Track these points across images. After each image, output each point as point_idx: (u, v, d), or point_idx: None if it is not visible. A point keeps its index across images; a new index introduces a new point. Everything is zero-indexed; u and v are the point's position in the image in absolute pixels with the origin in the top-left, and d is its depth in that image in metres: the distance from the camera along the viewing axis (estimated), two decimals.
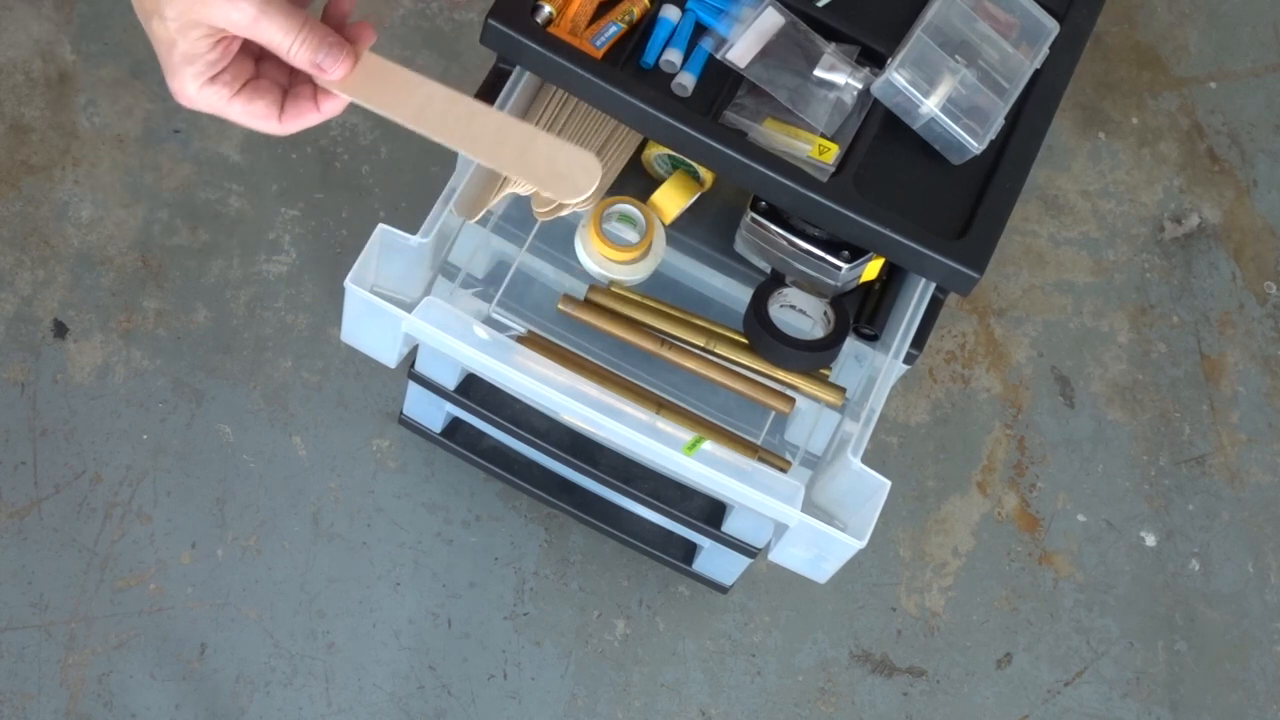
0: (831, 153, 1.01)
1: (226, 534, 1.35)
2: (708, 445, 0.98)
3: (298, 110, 0.77)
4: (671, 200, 1.10)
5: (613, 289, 1.10)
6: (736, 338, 1.10)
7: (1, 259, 1.41)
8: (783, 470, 1.06)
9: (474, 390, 1.22)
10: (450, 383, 1.21)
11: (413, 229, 0.99)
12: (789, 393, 1.10)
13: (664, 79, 1.04)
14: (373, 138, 1.51)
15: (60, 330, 1.39)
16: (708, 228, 1.13)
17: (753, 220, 1.07)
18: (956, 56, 1.04)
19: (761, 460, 1.07)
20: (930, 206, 1.03)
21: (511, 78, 1.06)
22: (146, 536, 1.33)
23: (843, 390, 1.10)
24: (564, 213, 1.08)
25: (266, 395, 1.40)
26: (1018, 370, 1.55)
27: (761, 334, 1.07)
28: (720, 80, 1.05)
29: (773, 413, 1.12)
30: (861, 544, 0.97)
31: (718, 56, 1.04)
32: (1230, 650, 1.45)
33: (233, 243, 1.46)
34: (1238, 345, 1.59)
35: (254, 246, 1.46)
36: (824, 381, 1.10)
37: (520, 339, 1.11)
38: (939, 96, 1.03)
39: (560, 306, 1.09)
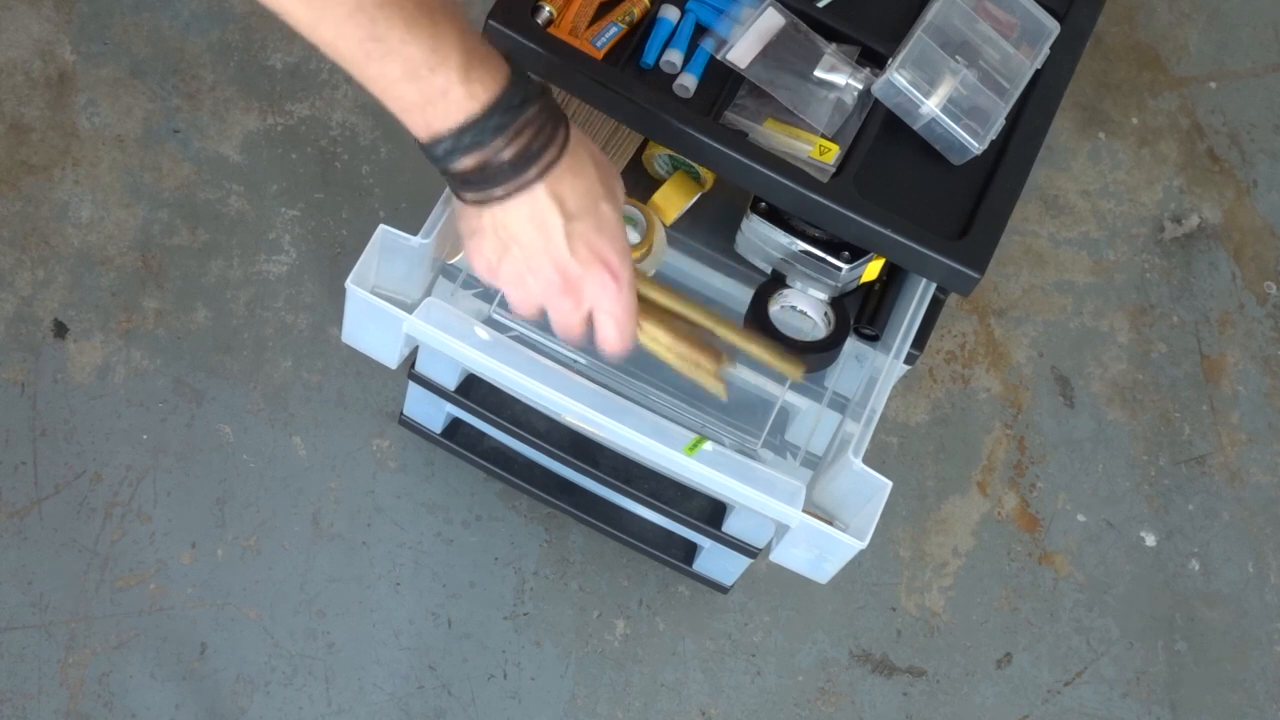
0: (832, 153, 1.01)
1: (226, 534, 1.35)
2: (709, 446, 0.98)
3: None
4: (672, 201, 1.10)
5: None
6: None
7: (1, 259, 1.41)
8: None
9: (474, 390, 1.22)
10: (450, 383, 1.21)
11: (413, 229, 0.99)
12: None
13: (664, 79, 1.05)
14: (373, 138, 1.51)
15: (60, 330, 1.39)
16: (708, 228, 1.13)
17: (753, 221, 1.07)
18: (957, 57, 1.04)
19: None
20: (931, 207, 1.03)
21: None
22: (146, 536, 1.33)
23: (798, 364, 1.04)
24: None
25: (266, 395, 1.40)
26: (1018, 370, 1.55)
27: (762, 335, 1.07)
28: (721, 81, 1.05)
29: (773, 413, 1.12)
30: (863, 544, 0.97)
31: (718, 57, 1.04)
32: (1230, 650, 1.45)
33: (233, 243, 1.46)
34: (1238, 345, 1.60)
35: (254, 246, 1.46)
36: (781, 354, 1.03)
37: None
38: (939, 97, 1.03)
39: None
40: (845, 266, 1.05)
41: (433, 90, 0.78)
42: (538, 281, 0.86)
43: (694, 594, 1.39)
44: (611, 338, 0.89)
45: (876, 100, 1.04)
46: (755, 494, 0.97)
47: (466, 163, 0.80)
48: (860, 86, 1.04)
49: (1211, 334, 1.60)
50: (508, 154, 0.80)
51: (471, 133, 0.79)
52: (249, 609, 1.33)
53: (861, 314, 1.10)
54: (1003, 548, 1.47)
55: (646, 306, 0.99)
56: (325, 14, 0.75)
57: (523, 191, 0.82)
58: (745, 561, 1.27)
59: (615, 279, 0.86)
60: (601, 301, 0.87)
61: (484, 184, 0.81)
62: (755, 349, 1.04)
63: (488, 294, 1.16)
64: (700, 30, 1.06)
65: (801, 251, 1.06)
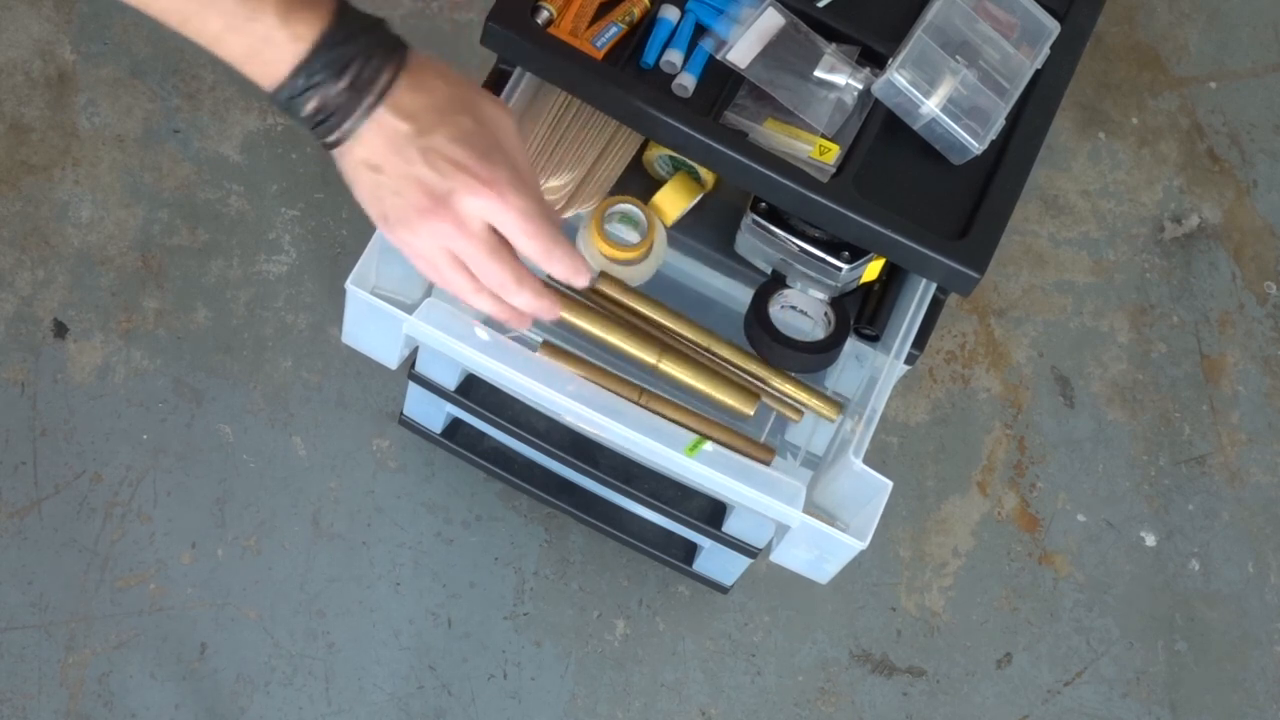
0: (832, 153, 1.01)
1: (226, 534, 1.35)
2: (709, 446, 0.98)
3: None
4: (673, 202, 1.09)
5: (604, 281, 1.08)
6: (735, 347, 1.09)
7: (1, 259, 1.41)
8: (765, 461, 1.06)
9: (474, 391, 1.22)
10: (450, 383, 1.21)
11: None
12: (791, 403, 1.10)
13: (664, 79, 1.04)
14: None
15: (60, 330, 1.39)
16: (708, 229, 1.13)
17: (753, 221, 1.07)
18: (957, 57, 1.04)
19: (745, 447, 1.07)
20: (931, 207, 1.03)
21: (512, 79, 1.06)
22: (146, 536, 1.33)
23: (839, 405, 1.10)
24: (566, 214, 1.08)
25: (266, 395, 1.40)
26: (1018, 370, 1.55)
27: (762, 335, 1.07)
28: (721, 81, 1.04)
29: (774, 413, 1.13)
30: (863, 545, 0.97)
31: (718, 57, 1.04)
32: (1230, 650, 1.45)
33: (233, 243, 1.46)
34: (1238, 345, 1.60)
35: (254, 246, 1.46)
36: (822, 395, 1.09)
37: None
38: (940, 97, 1.02)
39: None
40: (845, 266, 1.05)
41: (255, 38, 0.77)
42: (409, 205, 0.82)
43: (694, 594, 1.39)
44: (537, 254, 0.84)
45: (876, 100, 1.04)
46: (755, 494, 0.97)
47: (310, 106, 0.79)
48: (860, 86, 1.04)
49: (1211, 334, 1.60)
50: (342, 85, 0.79)
51: (304, 75, 0.78)
52: (249, 609, 1.33)
53: (861, 314, 1.10)
54: (1003, 548, 1.47)
55: (674, 355, 1.05)
56: None
57: (367, 119, 0.80)
58: (745, 561, 1.27)
59: (485, 183, 0.82)
60: (486, 212, 0.83)
61: (331, 123, 0.80)
62: (795, 390, 1.06)
63: None
64: (700, 30, 1.06)
65: (801, 251, 1.06)
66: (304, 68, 0.78)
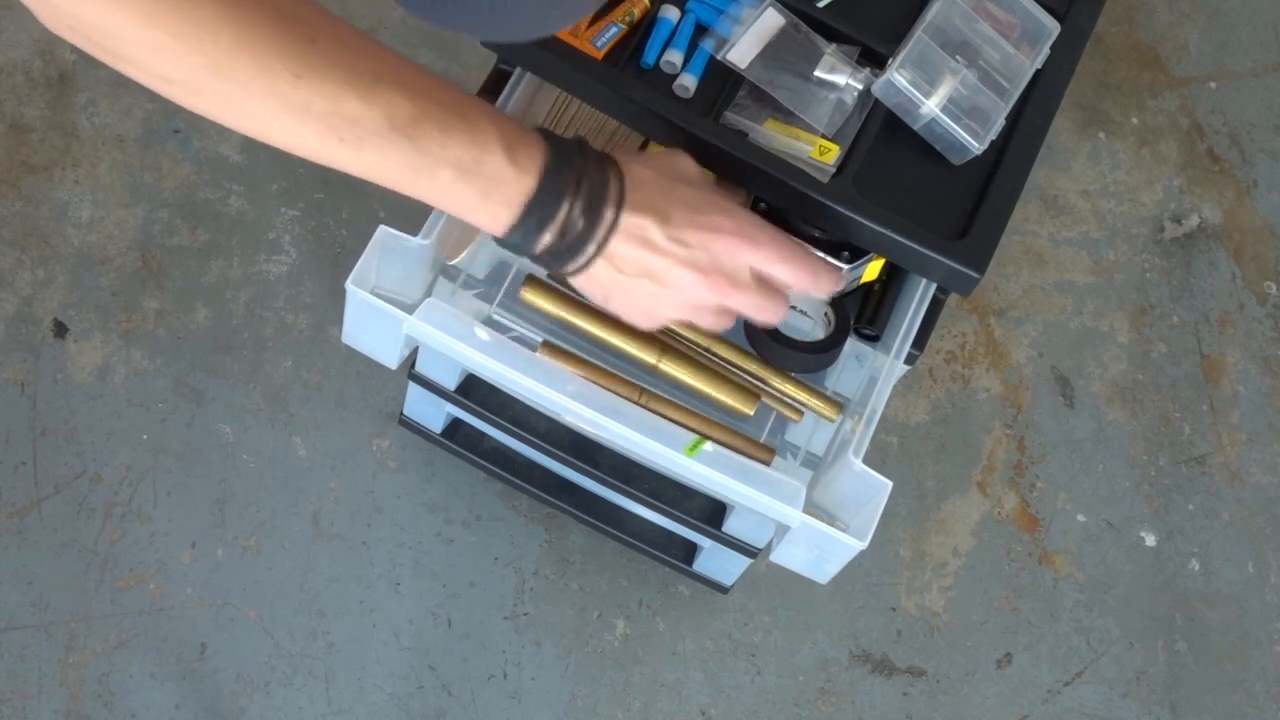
0: (832, 153, 1.01)
1: (226, 534, 1.35)
2: (709, 446, 0.98)
3: None
4: None
5: None
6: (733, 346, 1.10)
7: (1, 259, 1.41)
8: (765, 461, 1.06)
9: (474, 391, 1.22)
10: (450, 383, 1.21)
11: (413, 229, 0.99)
12: (791, 403, 1.10)
13: (665, 79, 1.04)
14: None
15: (60, 330, 1.39)
16: None
17: None
18: (957, 57, 1.04)
19: (746, 446, 1.07)
20: (931, 207, 1.03)
21: (512, 79, 1.06)
22: (146, 536, 1.33)
23: (839, 405, 1.10)
24: None
25: (266, 395, 1.40)
26: (1018, 370, 1.55)
27: (762, 335, 1.07)
28: (721, 81, 1.04)
29: (774, 413, 1.13)
30: (863, 545, 0.97)
31: (718, 57, 1.04)
32: (1230, 650, 1.45)
33: (233, 243, 1.46)
34: (1238, 345, 1.60)
35: (254, 246, 1.46)
36: (822, 395, 1.10)
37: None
38: (940, 97, 1.02)
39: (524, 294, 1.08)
40: (845, 266, 1.05)
41: (486, 182, 0.77)
42: (689, 291, 0.85)
43: (694, 594, 1.39)
44: (800, 278, 0.88)
45: (876, 100, 1.04)
46: (756, 494, 0.97)
47: (546, 238, 0.80)
48: (860, 86, 1.04)
49: (1211, 334, 1.60)
50: (578, 209, 0.80)
51: (537, 206, 0.79)
52: (249, 609, 1.33)
53: (861, 314, 1.10)
54: (1003, 548, 1.47)
55: (674, 355, 1.06)
56: (364, 148, 0.74)
57: (610, 231, 0.81)
58: (745, 561, 1.27)
59: (736, 235, 0.85)
60: (750, 261, 0.86)
61: (575, 248, 0.81)
62: (795, 390, 1.07)
63: (488, 294, 1.16)
64: (700, 30, 1.06)
65: None
66: (535, 199, 0.78)
